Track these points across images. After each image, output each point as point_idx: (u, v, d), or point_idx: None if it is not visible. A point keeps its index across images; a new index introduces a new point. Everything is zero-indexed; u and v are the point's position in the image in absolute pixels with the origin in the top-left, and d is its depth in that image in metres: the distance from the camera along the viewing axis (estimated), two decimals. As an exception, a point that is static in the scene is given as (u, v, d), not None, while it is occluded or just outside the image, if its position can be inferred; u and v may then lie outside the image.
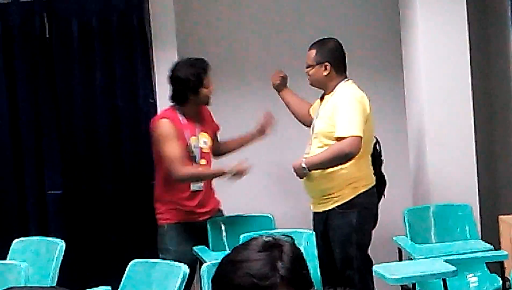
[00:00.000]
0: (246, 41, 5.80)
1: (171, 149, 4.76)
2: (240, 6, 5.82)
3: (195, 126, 4.94)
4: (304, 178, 4.62)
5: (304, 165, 4.50)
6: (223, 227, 5.00)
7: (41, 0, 5.38)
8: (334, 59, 4.64)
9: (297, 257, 1.77)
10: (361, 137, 4.39)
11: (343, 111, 4.48)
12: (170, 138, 4.79)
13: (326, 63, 4.61)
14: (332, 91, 4.63)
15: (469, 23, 5.26)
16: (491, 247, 4.75)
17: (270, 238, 1.79)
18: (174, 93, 4.92)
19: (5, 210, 5.36)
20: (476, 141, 5.28)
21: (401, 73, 5.66)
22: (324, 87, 4.70)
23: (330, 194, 4.57)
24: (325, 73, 4.62)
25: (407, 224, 4.93)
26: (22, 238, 4.86)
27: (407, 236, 4.89)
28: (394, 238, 5.00)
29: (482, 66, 5.63)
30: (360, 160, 4.53)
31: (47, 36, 5.40)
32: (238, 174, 4.81)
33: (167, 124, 4.84)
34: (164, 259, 4.49)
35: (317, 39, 4.79)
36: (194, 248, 4.82)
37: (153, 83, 5.45)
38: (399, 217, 5.04)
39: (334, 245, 4.50)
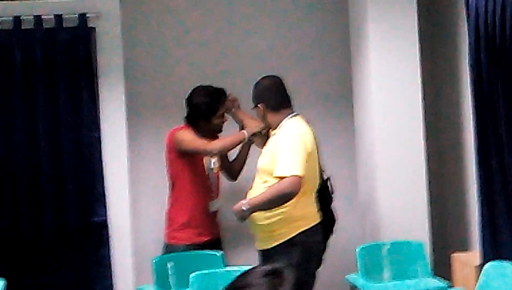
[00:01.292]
0: (191, 74, 5.72)
1: (196, 141, 5.05)
2: (186, 40, 5.83)
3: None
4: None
5: (244, 208, 4.43)
6: (169, 266, 4.90)
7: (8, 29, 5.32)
8: (267, 99, 4.62)
9: (298, 284, 1.76)
10: (301, 177, 4.33)
11: (283, 149, 4.42)
12: (191, 136, 5.08)
13: (259, 104, 4.61)
14: (276, 128, 4.61)
15: (421, 65, 5.28)
16: (445, 285, 4.76)
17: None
18: (187, 115, 5.15)
19: None
20: (427, 175, 5.30)
21: (351, 108, 5.66)
22: (269, 125, 4.66)
23: (271, 232, 4.50)
24: (261, 114, 4.66)
25: (360, 262, 4.85)
26: None
27: (360, 274, 4.81)
28: (346, 276, 4.95)
29: (434, 107, 5.69)
30: (301, 198, 4.43)
31: None
32: (256, 134, 4.97)
33: (186, 131, 5.10)
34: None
35: (256, 81, 4.78)
36: (138, 287, 4.89)
37: (98, 117, 5.34)
38: (350, 254, 4.99)
39: None
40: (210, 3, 5.86)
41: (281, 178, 4.34)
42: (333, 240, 4.85)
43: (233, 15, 5.84)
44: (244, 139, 5.05)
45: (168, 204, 5.23)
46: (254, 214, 4.54)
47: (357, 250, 4.88)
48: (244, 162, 5.35)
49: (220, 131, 5.20)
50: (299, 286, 1.79)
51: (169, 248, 5.12)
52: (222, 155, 5.27)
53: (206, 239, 5.14)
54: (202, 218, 5.16)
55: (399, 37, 5.25)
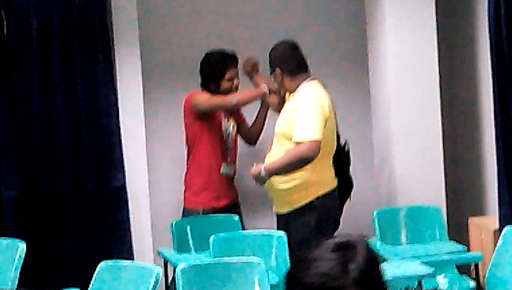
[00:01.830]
0: (205, 40, 5.70)
1: (212, 98, 5.16)
2: (200, 5, 5.81)
3: (224, 116, 5.34)
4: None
5: (262, 173, 4.50)
6: (188, 229, 4.99)
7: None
8: (283, 64, 4.65)
9: (371, 260, 1.65)
10: (320, 141, 4.38)
11: (301, 114, 4.48)
12: (208, 96, 5.17)
13: (276, 70, 4.64)
14: (294, 91, 4.63)
15: (437, 30, 5.29)
16: (464, 248, 4.79)
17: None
18: (201, 80, 5.25)
19: None
20: (443, 143, 5.30)
21: (366, 74, 5.63)
22: (287, 90, 4.70)
23: (289, 196, 4.55)
24: (278, 79, 4.67)
25: (376, 226, 4.89)
26: None
27: (377, 238, 4.83)
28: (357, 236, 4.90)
29: (450, 74, 5.69)
30: (318, 163, 4.48)
31: (5, 33, 5.30)
32: (274, 92, 5.03)
33: (204, 92, 5.20)
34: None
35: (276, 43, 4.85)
36: (159, 250, 5.01)
37: (115, 82, 5.33)
38: (366, 219, 5.03)
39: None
40: None
41: (300, 143, 4.36)
42: (349, 204, 4.89)
43: None
44: (263, 93, 5.08)
45: (186, 168, 5.29)
46: (272, 178, 4.58)
47: (373, 214, 4.90)
48: (263, 127, 5.37)
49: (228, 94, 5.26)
50: (371, 262, 1.68)
51: (187, 212, 5.20)
52: (241, 121, 5.37)
53: (223, 204, 5.18)
54: (219, 182, 5.21)
55: (416, 3, 5.24)
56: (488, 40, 4.61)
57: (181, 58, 5.69)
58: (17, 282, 4.38)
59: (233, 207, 5.24)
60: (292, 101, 4.62)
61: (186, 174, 5.29)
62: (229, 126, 5.29)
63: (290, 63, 4.65)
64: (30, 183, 5.37)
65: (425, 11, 5.23)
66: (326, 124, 4.46)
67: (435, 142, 5.25)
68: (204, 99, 5.17)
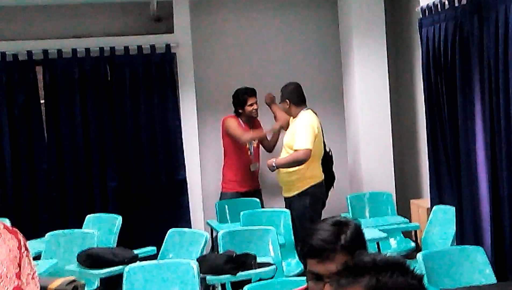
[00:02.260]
0: (238, 80, 5.53)
1: (236, 129, 5.12)
2: (237, 61, 5.71)
3: (249, 129, 5.21)
4: (276, 172, 4.66)
5: (274, 165, 4.54)
6: (226, 207, 5.01)
7: (104, 55, 5.27)
8: (292, 98, 4.61)
9: (358, 235, 1.73)
10: (310, 149, 4.41)
11: (299, 131, 4.47)
12: (235, 125, 5.14)
13: (286, 100, 4.61)
14: (295, 117, 4.59)
15: (388, 71, 5.25)
16: (407, 221, 4.77)
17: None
18: (234, 107, 5.21)
19: (80, 196, 5.26)
20: (393, 148, 5.27)
21: (342, 104, 5.57)
22: (290, 115, 4.70)
23: (291, 185, 4.55)
24: (287, 107, 4.64)
25: (349, 205, 4.89)
26: (92, 214, 4.82)
27: (349, 213, 4.82)
28: (341, 214, 4.88)
29: (397, 99, 5.59)
30: (311, 164, 4.50)
31: (109, 79, 5.33)
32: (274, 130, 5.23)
33: (233, 119, 5.18)
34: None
35: (284, 84, 4.78)
36: (208, 221, 4.98)
37: (179, 111, 5.34)
38: (343, 200, 4.96)
39: (295, 220, 4.43)
40: (249, 44, 5.73)
41: (298, 150, 4.41)
42: (332, 192, 4.88)
43: (264, 43, 5.73)
44: (264, 135, 5.25)
45: (222, 166, 5.28)
46: (280, 174, 4.62)
47: (347, 198, 4.90)
48: (276, 141, 5.29)
49: (255, 116, 5.21)
50: (358, 237, 1.74)
51: (222, 195, 5.19)
52: (263, 136, 5.31)
53: (244, 190, 5.16)
54: (242, 175, 5.19)
55: (371, 58, 5.22)
56: (421, 77, 4.56)
57: (221, 93, 5.56)
58: (116, 242, 4.46)
59: (254, 192, 5.21)
60: (294, 123, 4.59)
61: (222, 169, 5.27)
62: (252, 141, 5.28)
63: (295, 97, 4.63)
64: (124, 177, 5.34)
65: (380, 59, 5.21)
66: (315, 138, 4.47)
67: (387, 149, 5.22)
68: (232, 126, 5.14)
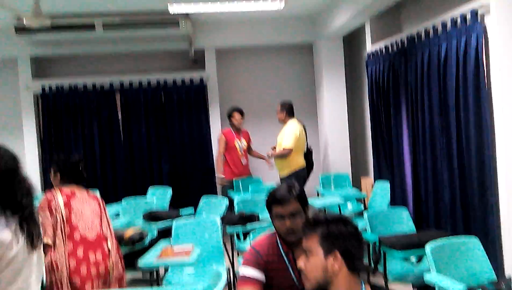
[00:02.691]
0: (252, 99, 5.59)
1: (220, 146, 4.78)
2: (247, 88, 5.65)
3: (239, 136, 4.84)
4: (274, 161, 4.53)
5: (270, 154, 4.47)
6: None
7: (159, 86, 5.20)
8: (287, 110, 4.46)
9: (302, 192, 1.77)
10: (291, 149, 4.31)
11: (286, 135, 4.36)
12: (221, 140, 4.79)
13: (283, 112, 4.46)
14: (286, 124, 4.46)
15: (346, 94, 5.22)
16: (359, 191, 4.74)
17: (291, 182, 1.80)
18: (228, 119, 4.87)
19: (145, 176, 5.21)
20: (350, 143, 5.24)
21: (316, 113, 5.53)
22: (283, 122, 4.50)
23: (283, 170, 4.44)
24: (283, 116, 4.47)
25: (320, 182, 4.87)
26: (152, 186, 4.80)
27: (321, 187, 4.81)
28: (315, 187, 4.90)
29: (351, 112, 5.53)
30: (296, 155, 4.41)
31: (163, 102, 5.25)
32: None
33: (221, 135, 4.83)
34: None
35: (281, 100, 4.63)
36: (228, 190, 4.73)
37: (209, 125, 5.28)
38: (317, 179, 4.93)
39: None
40: (254, 77, 5.62)
41: (284, 148, 4.34)
42: (311, 174, 4.77)
43: (264, 76, 5.65)
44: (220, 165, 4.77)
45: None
46: (277, 162, 4.48)
47: (320, 178, 4.89)
48: (255, 156, 4.99)
49: (238, 127, 4.80)
50: (302, 190, 1.75)
51: (227, 180, 4.78)
52: (249, 142, 4.91)
53: (235, 177, 4.75)
54: (234, 168, 4.78)
55: (335, 85, 5.18)
56: (367, 97, 4.56)
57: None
58: (168, 205, 4.41)
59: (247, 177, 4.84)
60: (285, 128, 4.44)
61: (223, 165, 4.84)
62: (241, 143, 4.81)
63: (289, 110, 4.46)
64: (173, 164, 5.20)
65: (340, 87, 5.18)
66: (297, 140, 4.36)
67: (345, 144, 5.18)
68: (220, 141, 4.79)
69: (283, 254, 1.71)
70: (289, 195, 1.71)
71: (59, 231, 2.19)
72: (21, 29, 4.37)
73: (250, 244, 1.83)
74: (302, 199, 1.74)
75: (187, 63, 5.44)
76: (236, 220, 3.28)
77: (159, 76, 5.24)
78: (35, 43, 4.80)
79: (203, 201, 4.04)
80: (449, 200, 3.25)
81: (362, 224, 3.24)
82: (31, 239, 1.41)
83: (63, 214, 2.22)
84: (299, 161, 4.48)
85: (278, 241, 1.74)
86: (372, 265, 3.04)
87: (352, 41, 5.36)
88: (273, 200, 1.73)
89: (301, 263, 1.35)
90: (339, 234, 1.32)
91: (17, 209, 1.39)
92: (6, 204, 1.39)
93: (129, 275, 3.14)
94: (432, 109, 3.41)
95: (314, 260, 1.31)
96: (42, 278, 1.98)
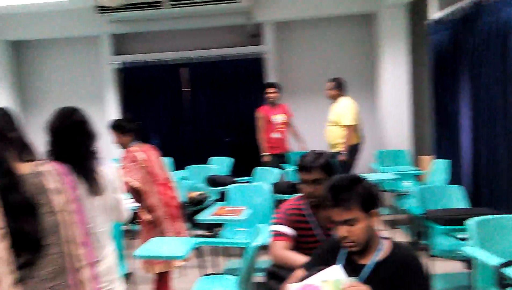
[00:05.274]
0: (305, 77, 5.59)
1: (258, 124, 4.74)
2: (304, 62, 5.62)
3: (274, 111, 4.74)
4: (328, 136, 4.46)
5: (343, 152, 4.27)
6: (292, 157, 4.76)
7: (220, 60, 5.35)
8: (339, 87, 4.37)
9: (329, 162, 1.84)
10: (355, 125, 4.29)
11: (345, 112, 4.27)
12: (259, 119, 4.74)
13: (336, 89, 4.36)
14: (337, 102, 4.36)
15: (408, 68, 5.04)
16: (417, 169, 4.63)
17: (322, 151, 1.88)
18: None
19: (208, 146, 5.42)
20: (410, 117, 5.07)
21: (373, 89, 5.37)
22: (335, 99, 4.40)
23: (337, 145, 4.36)
24: (335, 93, 4.37)
25: (377, 157, 4.80)
26: (214, 157, 5.04)
27: (378, 163, 4.75)
28: (370, 164, 4.86)
29: (412, 82, 5.29)
30: (354, 132, 4.36)
31: (223, 76, 5.39)
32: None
33: (258, 112, 4.77)
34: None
35: (333, 77, 4.57)
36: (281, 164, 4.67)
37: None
38: (372, 155, 4.88)
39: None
40: (312, 50, 5.55)
41: (347, 126, 4.24)
42: (366, 148, 4.71)
43: (321, 49, 5.56)
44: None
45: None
46: (329, 138, 4.42)
47: (375, 153, 4.81)
48: (295, 137, 4.84)
49: (272, 101, 4.69)
50: (330, 160, 1.81)
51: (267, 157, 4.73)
52: (288, 116, 4.76)
53: (275, 152, 4.69)
54: (270, 142, 4.70)
55: (396, 58, 4.98)
56: (429, 68, 4.39)
57: (294, 83, 5.48)
58: (228, 173, 4.68)
59: (281, 155, 4.75)
60: (339, 106, 4.31)
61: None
62: (277, 117, 4.70)
63: (341, 86, 4.38)
64: (235, 133, 5.31)
65: (401, 54, 4.97)
66: (356, 115, 4.32)
67: (406, 121, 5.03)
68: (258, 118, 4.72)
69: (309, 215, 1.86)
70: (314, 164, 1.81)
71: (147, 179, 2.70)
72: (100, 9, 4.83)
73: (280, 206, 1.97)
74: (328, 168, 1.84)
75: (246, 38, 5.52)
76: (285, 188, 3.44)
77: (220, 51, 5.40)
78: (113, 21, 5.24)
79: (258, 170, 4.20)
80: (507, 180, 3.17)
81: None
82: (91, 186, 1.59)
83: (146, 165, 2.71)
84: (354, 137, 4.45)
85: (305, 203, 1.89)
86: (416, 238, 3.08)
87: (414, 9, 5.12)
88: (299, 166, 1.86)
89: (343, 232, 1.39)
90: (371, 194, 1.41)
91: (80, 159, 1.55)
92: (70, 153, 1.58)
93: (192, 232, 3.57)
94: (495, 81, 3.27)
95: (360, 225, 1.37)
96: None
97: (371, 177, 3.88)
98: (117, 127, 2.80)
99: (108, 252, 1.77)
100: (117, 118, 2.92)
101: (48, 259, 1.22)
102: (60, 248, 1.25)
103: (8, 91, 5.49)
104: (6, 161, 1.20)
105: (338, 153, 4.29)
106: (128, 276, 2.55)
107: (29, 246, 1.19)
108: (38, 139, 1.34)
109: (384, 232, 2.90)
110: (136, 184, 2.67)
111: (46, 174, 1.28)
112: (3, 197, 1.15)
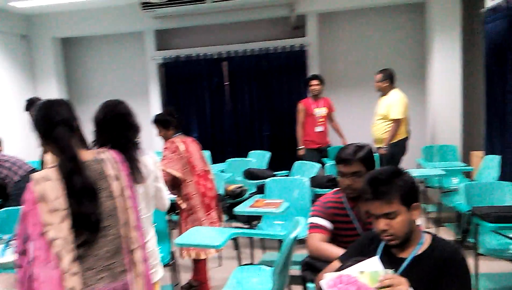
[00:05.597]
0: (351, 67, 5.54)
1: (298, 116, 4.71)
2: (348, 54, 5.58)
3: (317, 104, 4.70)
4: (373, 131, 4.36)
5: (385, 146, 4.16)
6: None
7: (262, 53, 5.38)
8: (389, 78, 4.23)
9: (369, 155, 1.82)
10: (403, 118, 4.14)
11: (395, 105, 4.11)
12: (300, 111, 4.71)
13: (386, 80, 4.22)
14: (387, 94, 4.22)
15: (460, 58, 4.86)
16: (466, 165, 4.50)
17: (362, 143, 1.87)
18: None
19: (247, 139, 5.56)
20: (461, 111, 4.94)
21: (423, 82, 5.30)
22: (383, 93, 4.27)
23: (383, 140, 4.24)
24: (385, 85, 4.22)
25: (423, 153, 4.70)
26: (253, 151, 5.08)
27: (423, 158, 4.65)
28: (416, 160, 4.76)
29: (467, 82, 5.13)
30: (402, 126, 4.24)
31: (265, 69, 5.41)
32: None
33: (300, 105, 4.72)
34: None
35: (378, 67, 4.49)
36: (323, 159, 4.70)
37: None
38: (418, 150, 4.79)
39: (383, 162, 4.06)
40: (357, 41, 5.48)
41: (395, 119, 4.10)
42: (413, 143, 4.65)
43: (367, 40, 5.47)
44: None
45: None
46: (375, 133, 4.29)
47: (422, 148, 4.71)
48: (337, 130, 4.84)
49: (315, 94, 4.65)
50: (370, 154, 1.80)
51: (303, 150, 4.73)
52: (331, 110, 4.73)
53: (316, 146, 4.69)
54: (309, 136, 4.68)
55: (449, 49, 4.85)
56: (483, 60, 4.24)
57: (336, 75, 5.50)
58: (266, 166, 4.63)
59: (322, 149, 4.71)
60: (389, 99, 4.16)
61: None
62: (319, 110, 4.65)
63: (391, 77, 4.22)
64: (273, 129, 5.47)
65: (454, 54, 4.83)
66: (406, 108, 4.18)
67: (456, 115, 4.89)
68: (299, 110, 4.68)
69: (348, 209, 1.86)
70: (353, 157, 1.79)
71: (187, 169, 2.86)
72: (145, 5, 5.02)
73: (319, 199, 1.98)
74: (368, 161, 1.81)
75: (288, 30, 5.53)
76: (324, 182, 3.45)
77: (262, 44, 5.45)
78: (157, 17, 5.43)
79: (297, 164, 4.19)
80: None
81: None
82: (133, 174, 1.64)
83: (186, 156, 2.86)
84: (402, 131, 4.33)
85: (344, 196, 1.89)
86: (462, 236, 2.98)
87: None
88: (338, 159, 1.84)
89: (383, 225, 1.38)
90: (411, 187, 1.38)
91: (122, 149, 1.60)
92: (113, 143, 1.66)
93: (230, 225, 3.66)
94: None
95: (400, 219, 1.36)
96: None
97: (416, 172, 3.79)
98: (160, 121, 2.94)
99: (150, 238, 1.86)
100: (160, 113, 3.02)
101: (106, 240, 1.31)
102: (117, 231, 1.34)
103: (58, 86, 5.82)
104: (72, 147, 1.30)
105: (394, 146, 4.16)
106: (170, 264, 2.68)
107: (88, 227, 1.28)
108: (85, 131, 1.45)
109: (430, 229, 2.84)
110: (176, 173, 2.81)
111: (106, 161, 1.38)
112: (68, 181, 1.26)
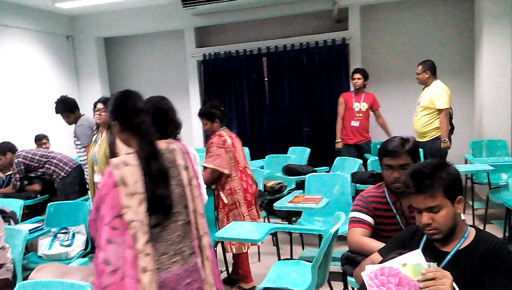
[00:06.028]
0: (394, 61, 5.45)
1: (339, 110, 4.66)
2: (392, 47, 5.48)
3: (358, 98, 4.60)
4: (415, 124, 4.19)
5: (445, 140, 3.98)
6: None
7: (302, 48, 5.36)
8: (431, 70, 4.06)
9: (415, 147, 1.81)
10: (449, 108, 4.01)
11: (439, 95, 3.95)
12: (340, 104, 4.66)
13: (427, 72, 4.06)
14: (429, 86, 4.06)
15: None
16: None
17: (406, 136, 1.85)
18: None
19: (286, 135, 5.57)
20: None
21: (470, 74, 5.14)
22: (425, 84, 4.10)
23: (426, 134, 4.10)
24: (426, 76, 4.06)
25: (471, 148, 4.55)
26: (293, 147, 5.11)
27: (470, 154, 4.52)
28: (464, 155, 4.64)
29: None
30: (445, 118, 4.04)
31: (304, 63, 5.45)
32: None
33: (340, 98, 4.70)
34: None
35: (422, 60, 4.24)
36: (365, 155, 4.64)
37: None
38: (465, 144, 4.66)
39: (426, 156, 3.94)
40: (401, 34, 5.34)
41: (441, 109, 3.94)
42: (460, 138, 4.57)
43: (412, 33, 5.35)
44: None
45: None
46: (417, 127, 4.12)
47: (470, 143, 4.57)
48: (382, 126, 4.72)
49: (357, 88, 4.56)
50: (417, 147, 1.80)
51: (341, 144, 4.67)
52: (375, 107, 4.62)
53: (352, 142, 4.60)
54: (346, 130, 4.61)
55: (499, 41, 4.63)
56: None
57: (379, 69, 5.37)
58: (305, 162, 4.61)
59: (360, 145, 4.61)
60: (429, 91, 4.03)
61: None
62: (358, 105, 4.55)
63: (433, 69, 3.99)
64: (313, 125, 5.46)
65: (506, 47, 4.62)
66: (450, 99, 4.01)
67: (506, 107, 4.66)
68: (339, 104, 4.62)
69: (391, 203, 1.85)
70: (401, 149, 1.78)
71: (232, 163, 2.93)
72: (185, 2, 5.11)
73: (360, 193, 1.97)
74: (415, 154, 1.80)
75: (329, 24, 5.52)
76: (366, 178, 3.43)
77: (302, 39, 5.43)
78: (197, 14, 5.54)
79: (338, 160, 4.20)
80: None
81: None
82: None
83: (232, 151, 2.93)
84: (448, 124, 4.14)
85: (386, 191, 1.88)
86: (510, 233, 2.90)
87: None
88: (385, 152, 1.82)
89: (426, 219, 1.36)
90: (455, 180, 1.36)
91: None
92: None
93: (270, 220, 3.73)
94: None
95: (444, 213, 1.34)
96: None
97: (464, 168, 3.71)
98: (206, 114, 2.97)
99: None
100: (205, 106, 3.02)
101: (176, 225, 1.41)
102: (186, 216, 1.43)
103: (101, 84, 6.06)
104: (151, 134, 1.41)
105: (437, 140, 4.02)
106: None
107: (162, 209, 1.36)
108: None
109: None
110: (224, 170, 2.85)
111: (177, 151, 1.47)
112: (147, 165, 1.34)
